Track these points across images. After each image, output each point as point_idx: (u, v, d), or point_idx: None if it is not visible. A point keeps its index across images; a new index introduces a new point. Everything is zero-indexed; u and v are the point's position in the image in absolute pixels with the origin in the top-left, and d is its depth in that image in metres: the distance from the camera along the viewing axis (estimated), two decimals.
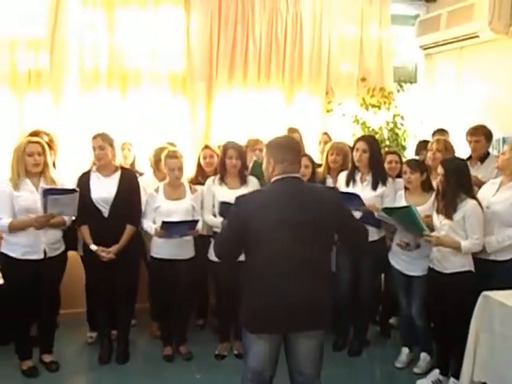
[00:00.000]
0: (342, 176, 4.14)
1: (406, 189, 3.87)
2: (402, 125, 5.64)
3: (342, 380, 3.79)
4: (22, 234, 3.57)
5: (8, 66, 4.86)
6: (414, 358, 3.97)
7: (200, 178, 4.28)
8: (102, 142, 3.77)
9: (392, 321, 4.62)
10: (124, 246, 3.82)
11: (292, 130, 4.80)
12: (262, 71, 5.48)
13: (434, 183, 3.70)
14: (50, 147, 3.91)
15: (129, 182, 3.89)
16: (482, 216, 3.39)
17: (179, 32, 5.25)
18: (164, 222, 3.69)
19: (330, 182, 4.29)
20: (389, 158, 4.29)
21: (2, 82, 4.86)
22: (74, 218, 3.76)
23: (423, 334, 3.87)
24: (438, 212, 3.51)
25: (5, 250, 3.64)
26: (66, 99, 4.97)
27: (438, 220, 3.50)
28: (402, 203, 3.76)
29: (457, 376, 3.31)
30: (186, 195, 3.94)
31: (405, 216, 3.56)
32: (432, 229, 3.53)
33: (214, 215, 3.97)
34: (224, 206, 3.75)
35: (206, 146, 4.43)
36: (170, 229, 3.72)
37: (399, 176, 4.07)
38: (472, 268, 3.43)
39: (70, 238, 3.90)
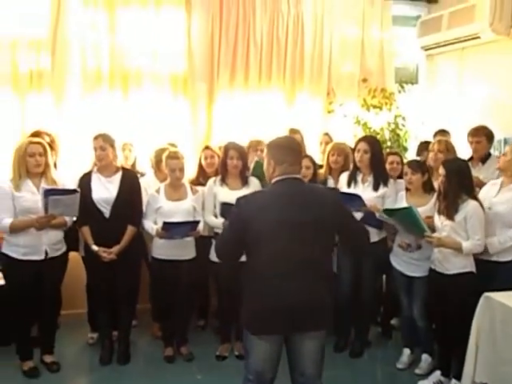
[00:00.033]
0: (344, 177, 4.14)
1: (407, 190, 3.86)
2: (403, 126, 5.63)
3: (343, 381, 3.79)
4: (23, 235, 3.57)
5: (10, 67, 4.87)
6: (415, 359, 3.96)
7: (201, 178, 4.28)
8: (103, 142, 3.77)
9: (393, 322, 4.62)
10: (125, 247, 3.81)
11: (293, 131, 4.78)
12: (264, 72, 5.48)
13: (436, 184, 3.70)
14: (52, 148, 3.91)
15: (130, 183, 3.88)
16: (484, 217, 3.39)
17: (180, 33, 5.25)
18: (165, 223, 3.69)
19: (331, 183, 4.28)
20: (390, 158, 4.28)
21: (3, 82, 4.87)
22: (75, 218, 3.76)
23: (424, 335, 3.86)
24: (439, 213, 3.50)
25: (6, 251, 3.64)
26: (67, 100, 4.97)
27: (440, 221, 3.49)
28: (403, 204, 3.75)
29: (458, 377, 3.29)
30: (187, 196, 3.94)
31: (406, 217, 3.56)
32: (433, 230, 3.53)
33: (215, 216, 3.97)
34: (225, 206, 3.75)
35: (207, 147, 4.43)
36: (171, 229, 3.72)
37: (400, 177, 4.06)
38: (473, 269, 3.42)
39: (72, 238, 3.90)
